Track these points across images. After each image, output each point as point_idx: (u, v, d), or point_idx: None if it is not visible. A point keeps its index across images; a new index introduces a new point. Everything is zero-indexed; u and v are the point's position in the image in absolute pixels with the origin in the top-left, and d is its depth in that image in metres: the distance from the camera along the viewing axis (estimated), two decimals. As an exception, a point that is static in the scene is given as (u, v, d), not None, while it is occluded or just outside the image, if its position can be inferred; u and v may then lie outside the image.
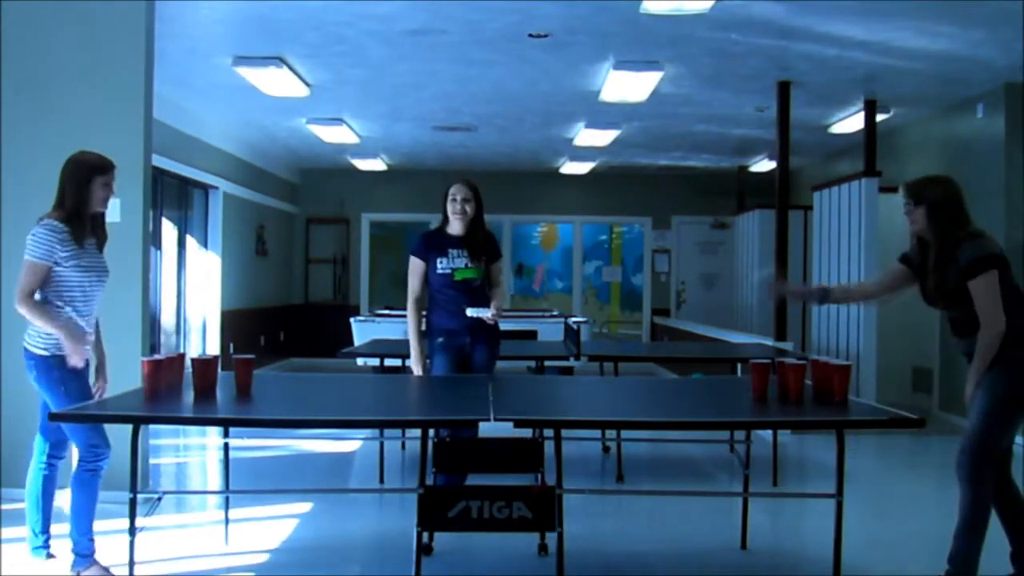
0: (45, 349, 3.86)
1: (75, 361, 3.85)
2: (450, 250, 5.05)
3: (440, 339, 5.04)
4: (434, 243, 5.10)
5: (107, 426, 3.88)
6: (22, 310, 3.83)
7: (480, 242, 5.09)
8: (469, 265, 5.04)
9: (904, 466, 7.35)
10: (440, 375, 5.00)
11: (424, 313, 5.16)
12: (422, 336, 5.11)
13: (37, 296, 3.85)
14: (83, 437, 3.87)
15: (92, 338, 4.04)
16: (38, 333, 3.87)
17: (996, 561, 3.94)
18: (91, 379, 4.09)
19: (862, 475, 6.60)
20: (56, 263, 3.83)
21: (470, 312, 4.95)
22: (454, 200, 5.07)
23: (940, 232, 3.90)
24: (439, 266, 5.04)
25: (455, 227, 5.10)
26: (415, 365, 5.09)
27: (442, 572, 4.21)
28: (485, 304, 5.00)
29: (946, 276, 3.88)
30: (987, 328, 3.78)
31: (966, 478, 3.80)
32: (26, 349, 3.90)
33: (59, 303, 3.87)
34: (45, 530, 4.04)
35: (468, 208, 5.06)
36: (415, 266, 5.11)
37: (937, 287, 3.92)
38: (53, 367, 3.86)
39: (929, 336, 9.22)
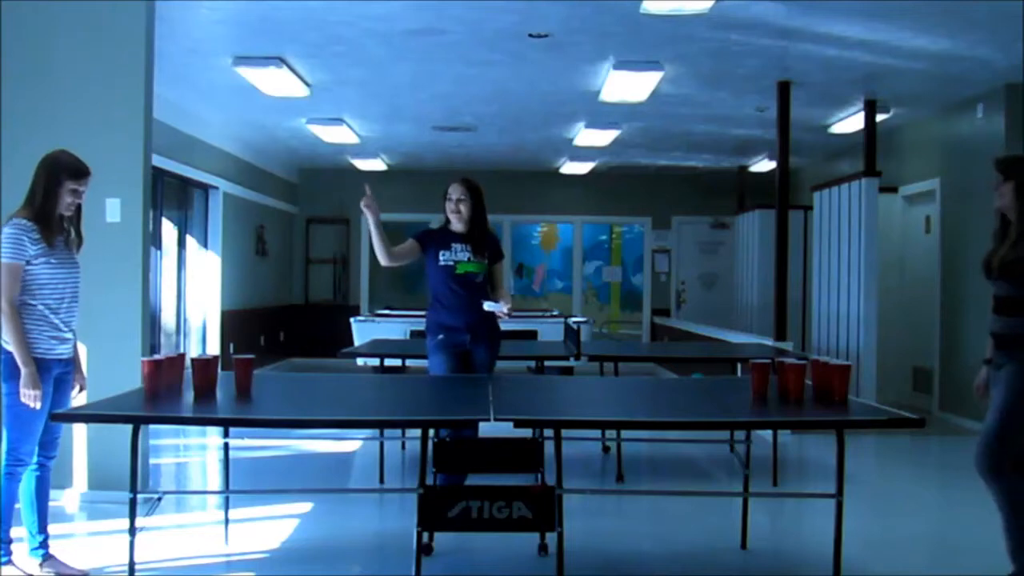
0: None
1: (25, 400, 3.81)
2: (453, 244, 5.04)
3: (440, 336, 5.02)
4: (437, 237, 5.09)
5: (106, 426, 3.87)
6: (2, 316, 3.81)
7: (481, 238, 5.08)
8: (472, 259, 5.03)
9: (904, 466, 7.35)
10: (440, 375, 4.99)
11: (424, 313, 5.15)
12: (382, 228, 4.94)
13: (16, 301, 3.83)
14: (14, 438, 3.86)
15: (69, 336, 4.02)
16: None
17: (996, 561, 3.94)
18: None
19: (862, 475, 6.60)
20: (27, 261, 3.84)
21: (487, 306, 4.92)
22: (449, 200, 5.07)
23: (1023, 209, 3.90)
24: (441, 258, 5.02)
25: (456, 226, 5.10)
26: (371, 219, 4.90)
27: (442, 572, 4.21)
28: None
29: (1018, 251, 3.88)
30: None
31: (989, 475, 3.79)
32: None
33: (32, 301, 3.87)
34: (42, 530, 4.04)
35: (463, 208, 5.05)
36: (409, 242, 5.07)
37: (1003, 258, 3.92)
38: (17, 367, 3.83)
39: (929, 336, 9.21)
